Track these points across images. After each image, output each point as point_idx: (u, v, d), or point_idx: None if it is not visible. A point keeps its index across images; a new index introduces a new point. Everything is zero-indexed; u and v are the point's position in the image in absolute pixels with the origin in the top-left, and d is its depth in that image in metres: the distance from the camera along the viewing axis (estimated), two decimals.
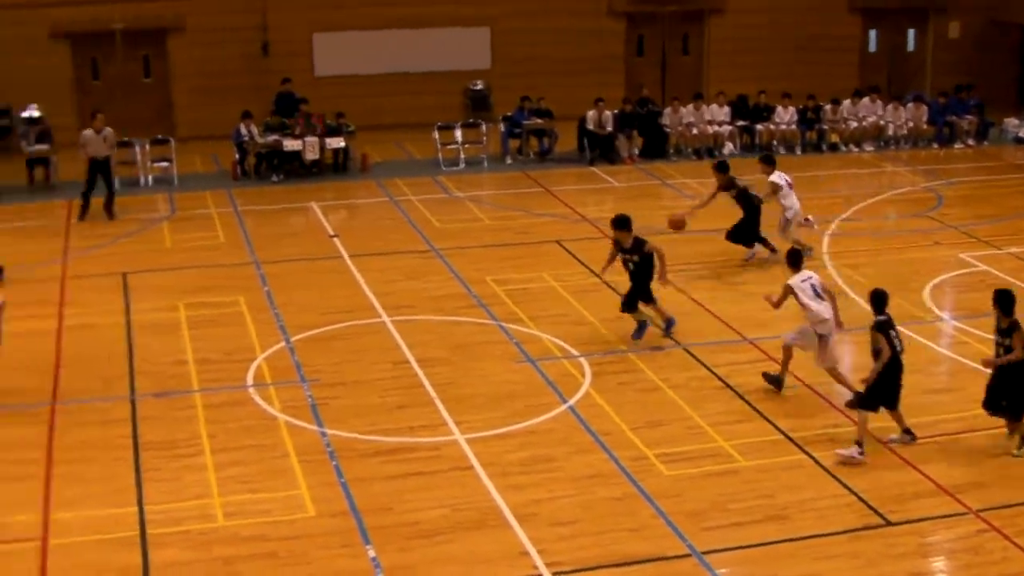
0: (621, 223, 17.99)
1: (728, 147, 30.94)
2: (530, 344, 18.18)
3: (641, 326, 18.23)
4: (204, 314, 19.64)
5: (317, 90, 31.13)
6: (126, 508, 13.61)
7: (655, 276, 18.02)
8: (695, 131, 30.93)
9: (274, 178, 28.33)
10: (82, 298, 20.45)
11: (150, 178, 28.34)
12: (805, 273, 16.07)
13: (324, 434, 15.29)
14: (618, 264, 18.32)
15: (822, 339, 15.72)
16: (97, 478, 14.35)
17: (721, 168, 22.24)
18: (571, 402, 16.18)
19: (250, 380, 17.05)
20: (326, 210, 26.00)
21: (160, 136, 29.29)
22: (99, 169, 25.36)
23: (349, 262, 22.15)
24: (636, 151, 30.61)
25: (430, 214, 25.40)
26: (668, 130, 30.94)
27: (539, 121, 30.52)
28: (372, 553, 12.61)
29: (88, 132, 25.45)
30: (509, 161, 30.18)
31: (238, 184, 28.25)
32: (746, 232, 21.84)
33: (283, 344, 18.28)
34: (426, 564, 12.41)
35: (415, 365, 17.17)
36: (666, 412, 15.82)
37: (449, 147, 30.22)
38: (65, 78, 31.43)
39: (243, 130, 28.48)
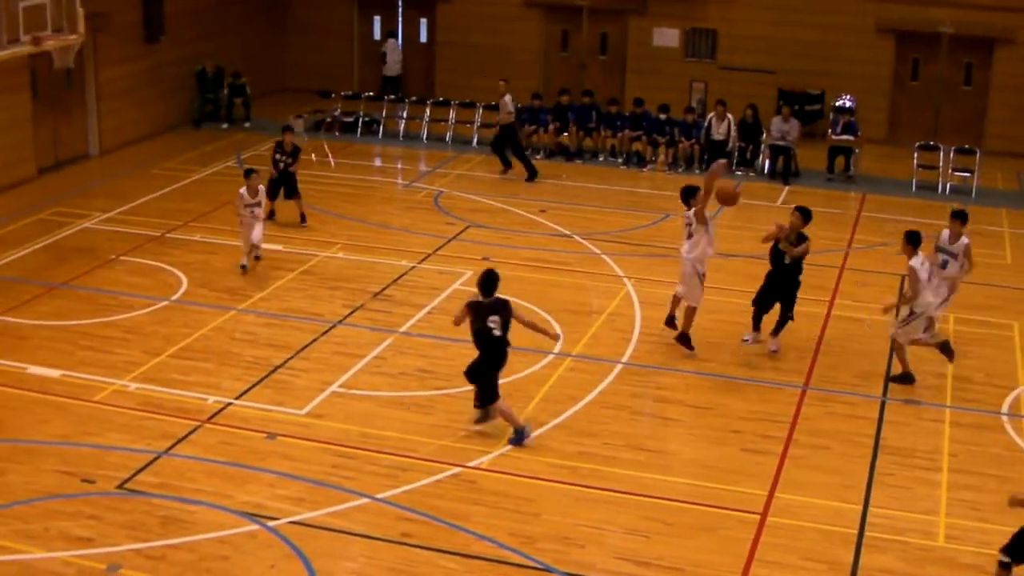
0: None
1: None
2: None
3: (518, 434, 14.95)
4: (974, 332, 19.15)
5: None
6: (851, 504, 13.73)
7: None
8: None
9: None
10: (855, 290, 20.62)
11: (948, 186, 27.94)
12: None
13: None
14: None
15: None
16: (830, 469, 14.57)
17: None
18: None
19: (1006, 408, 16.47)
20: None
21: (966, 146, 28.77)
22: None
23: None
24: None
25: None
26: None
27: None
28: None
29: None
30: None
31: None
32: None
33: None
34: None
35: None
36: None
37: None
38: (886, 73, 31.62)
39: None
